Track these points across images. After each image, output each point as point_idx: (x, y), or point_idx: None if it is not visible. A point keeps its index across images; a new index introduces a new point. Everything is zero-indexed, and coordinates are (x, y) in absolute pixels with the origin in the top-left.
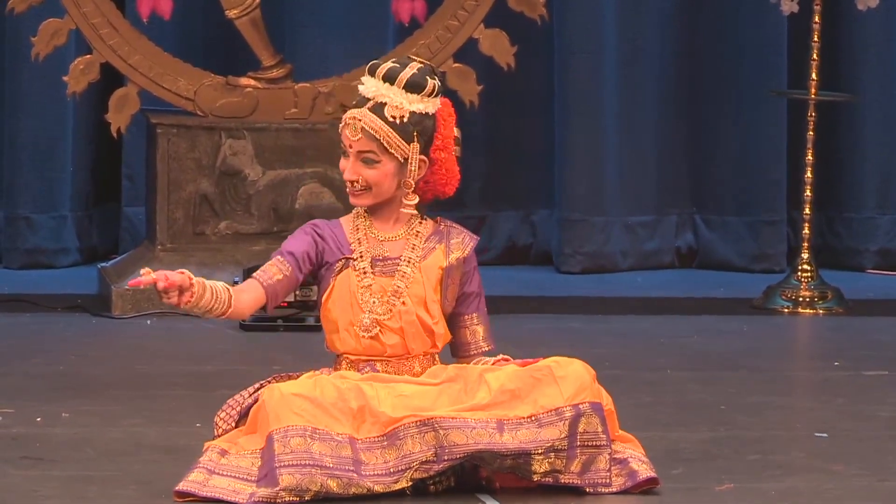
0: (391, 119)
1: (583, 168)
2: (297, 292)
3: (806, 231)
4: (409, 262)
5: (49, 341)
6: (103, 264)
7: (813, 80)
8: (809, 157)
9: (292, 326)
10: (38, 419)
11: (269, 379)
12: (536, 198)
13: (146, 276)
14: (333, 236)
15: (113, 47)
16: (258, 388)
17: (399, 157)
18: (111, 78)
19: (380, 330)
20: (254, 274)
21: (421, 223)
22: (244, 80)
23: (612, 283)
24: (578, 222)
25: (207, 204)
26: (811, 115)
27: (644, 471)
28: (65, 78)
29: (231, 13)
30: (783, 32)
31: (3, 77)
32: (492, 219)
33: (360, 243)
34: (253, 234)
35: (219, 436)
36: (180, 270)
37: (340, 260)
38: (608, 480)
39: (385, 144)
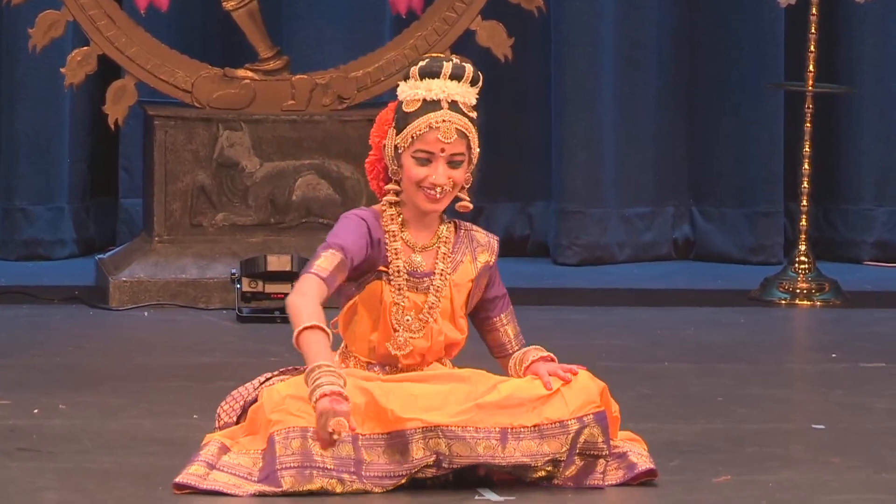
0: (470, 115)
1: (580, 160)
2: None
3: (803, 223)
4: (441, 274)
5: (46, 333)
6: (101, 256)
7: (810, 72)
8: (807, 149)
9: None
10: (36, 411)
11: (276, 372)
12: (533, 189)
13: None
14: (379, 241)
15: (110, 39)
16: (264, 382)
17: (473, 153)
18: (109, 70)
19: (412, 347)
20: (310, 269)
21: (445, 226)
22: (241, 72)
23: (609, 274)
24: (575, 214)
25: (204, 195)
26: (808, 108)
27: (643, 462)
28: (62, 70)
29: (228, 4)
30: (780, 25)
31: (0, 69)
32: (488, 210)
33: (396, 255)
34: (250, 226)
35: (220, 427)
36: (343, 397)
37: (378, 271)
38: (601, 483)
39: (472, 143)
